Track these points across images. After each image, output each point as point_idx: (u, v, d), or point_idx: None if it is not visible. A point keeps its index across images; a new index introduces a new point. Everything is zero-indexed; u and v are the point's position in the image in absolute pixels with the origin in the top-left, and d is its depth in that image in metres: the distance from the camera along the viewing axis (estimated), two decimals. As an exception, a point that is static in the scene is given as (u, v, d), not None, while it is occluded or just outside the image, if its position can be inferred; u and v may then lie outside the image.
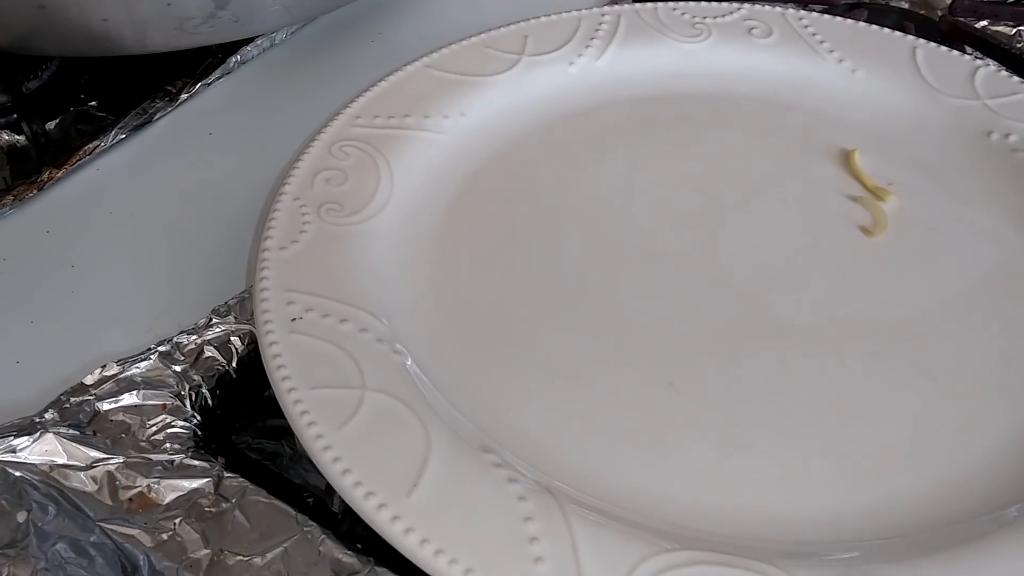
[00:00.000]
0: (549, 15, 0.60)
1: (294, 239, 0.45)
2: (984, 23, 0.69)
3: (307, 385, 0.39)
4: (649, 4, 0.61)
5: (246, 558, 0.38)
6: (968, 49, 0.65)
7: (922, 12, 0.71)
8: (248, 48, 0.65)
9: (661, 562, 0.34)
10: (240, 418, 0.46)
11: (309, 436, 0.37)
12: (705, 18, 0.60)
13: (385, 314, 0.43)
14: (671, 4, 0.61)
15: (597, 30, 0.59)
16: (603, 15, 0.60)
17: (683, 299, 0.46)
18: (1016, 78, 0.56)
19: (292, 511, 0.40)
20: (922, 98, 0.55)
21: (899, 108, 0.55)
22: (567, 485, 0.37)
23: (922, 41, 0.58)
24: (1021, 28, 0.70)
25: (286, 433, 0.44)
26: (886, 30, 0.59)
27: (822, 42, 0.58)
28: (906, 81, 0.56)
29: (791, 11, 0.60)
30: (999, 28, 0.70)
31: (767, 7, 0.61)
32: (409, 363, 0.41)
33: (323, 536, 0.39)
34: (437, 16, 0.69)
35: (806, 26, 0.59)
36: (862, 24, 0.60)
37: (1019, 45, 0.68)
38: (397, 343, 0.42)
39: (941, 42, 0.61)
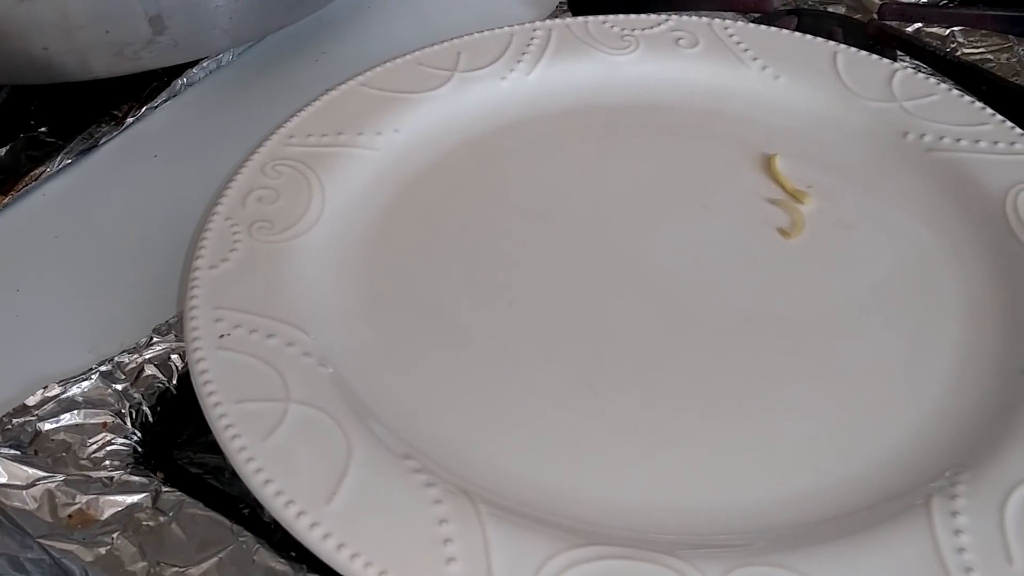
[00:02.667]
0: (482, 31, 0.61)
1: (224, 257, 0.46)
2: (918, 26, 0.71)
3: (233, 399, 0.40)
4: (580, 18, 0.63)
5: (182, 568, 0.40)
6: (900, 53, 0.67)
7: (857, 16, 0.73)
8: (194, 70, 0.66)
9: (569, 558, 0.36)
10: (181, 434, 0.47)
11: (233, 448, 0.38)
12: (634, 30, 0.62)
13: (313, 328, 0.45)
14: (601, 18, 0.62)
15: (529, 45, 0.61)
16: (535, 30, 0.62)
17: (605, 302, 0.48)
18: (932, 79, 0.58)
19: (228, 522, 0.41)
20: (841, 102, 0.57)
21: (819, 112, 0.57)
22: (484, 487, 0.39)
23: (843, 46, 0.60)
24: (954, 29, 0.72)
25: (226, 447, 0.45)
26: (808, 36, 0.61)
27: (746, 50, 0.60)
28: (826, 86, 0.58)
29: (717, 21, 0.62)
30: (933, 30, 0.72)
31: (694, 18, 0.62)
32: (334, 375, 0.43)
33: (257, 545, 0.40)
34: (380, 34, 0.70)
35: (731, 35, 0.61)
36: (785, 32, 0.62)
37: (951, 47, 0.70)
38: (323, 356, 0.43)
39: (870, 47, 0.63)
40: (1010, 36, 0.70)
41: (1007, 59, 0.70)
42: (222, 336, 0.43)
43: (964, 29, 0.71)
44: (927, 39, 0.70)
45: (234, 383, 0.41)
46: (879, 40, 0.68)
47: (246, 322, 0.44)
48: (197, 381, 0.41)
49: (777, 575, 0.35)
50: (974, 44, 0.71)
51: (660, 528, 0.38)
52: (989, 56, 0.70)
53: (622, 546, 0.36)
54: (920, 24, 0.71)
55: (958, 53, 0.69)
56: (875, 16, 0.71)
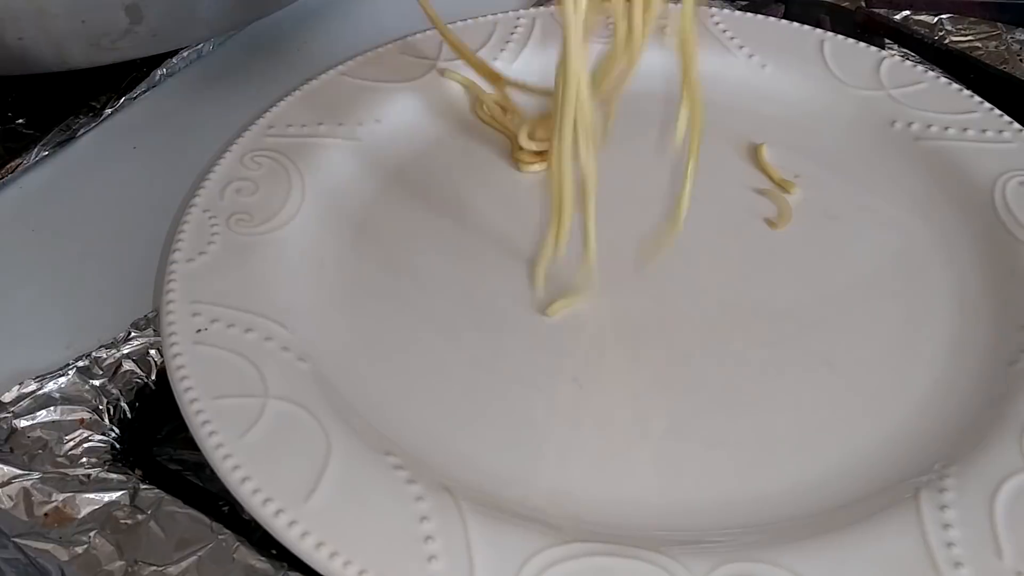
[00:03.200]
0: (465, 20, 0.61)
1: (202, 250, 0.46)
2: (906, 13, 0.71)
3: (210, 395, 0.39)
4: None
5: (160, 567, 0.39)
6: (888, 41, 0.67)
7: (845, 4, 0.72)
8: (174, 61, 0.65)
9: (553, 555, 0.35)
10: (160, 430, 0.46)
11: (210, 445, 0.38)
12: (619, 18, 0.61)
13: (292, 322, 0.44)
14: (586, 5, 0.61)
15: (512, 33, 0.60)
16: (519, 18, 0.61)
17: (588, 294, 0.47)
18: (919, 67, 0.58)
19: (207, 520, 0.40)
20: (829, 90, 0.57)
21: (807, 101, 0.57)
22: (466, 483, 0.38)
23: (830, 34, 0.60)
24: (942, 17, 0.72)
25: (207, 443, 0.44)
26: (796, 25, 0.61)
27: (732, 38, 0.59)
28: (814, 74, 0.57)
29: (703, 9, 0.61)
30: (921, 18, 0.71)
31: (679, 5, 0.61)
32: (313, 370, 0.42)
33: (237, 543, 0.39)
34: (363, 23, 0.69)
35: (717, 23, 0.60)
36: (772, 20, 0.61)
37: (939, 34, 0.70)
38: (302, 351, 0.43)
39: (858, 35, 0.62)
40: (998, 24, 0.70)
41: (995, 47, 0.69)
42: (199, 331, 0.42)
43: (952, 17, 0.70)
44: (915, 27, 0.69)
45: (211, 379, 0.40)
46: (867, 28, 0.68)
47: (224, 316, 0.43)
48: (173, 377, 0.40)
49: (764, 571, 0.35)
50: (962, 32, 0.70)
51: (645, 524, 0.38)
52: (977, 44, 0.70)
53: (607, 542, 0.36)
54: (908, 12, 0.71)
55: (946, 41, 0.69)
56: (863, 4, 0.71)
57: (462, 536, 0.35)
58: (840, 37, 0.60)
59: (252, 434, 0.38)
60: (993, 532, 0.36)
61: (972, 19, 0.71)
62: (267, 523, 0.36)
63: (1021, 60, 0.68)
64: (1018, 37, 0.69)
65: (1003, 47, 0.69)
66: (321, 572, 0.35)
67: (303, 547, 0.35)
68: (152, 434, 0.46)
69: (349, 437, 0.39)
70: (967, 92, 0.56)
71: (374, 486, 0.37)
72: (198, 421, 0.38)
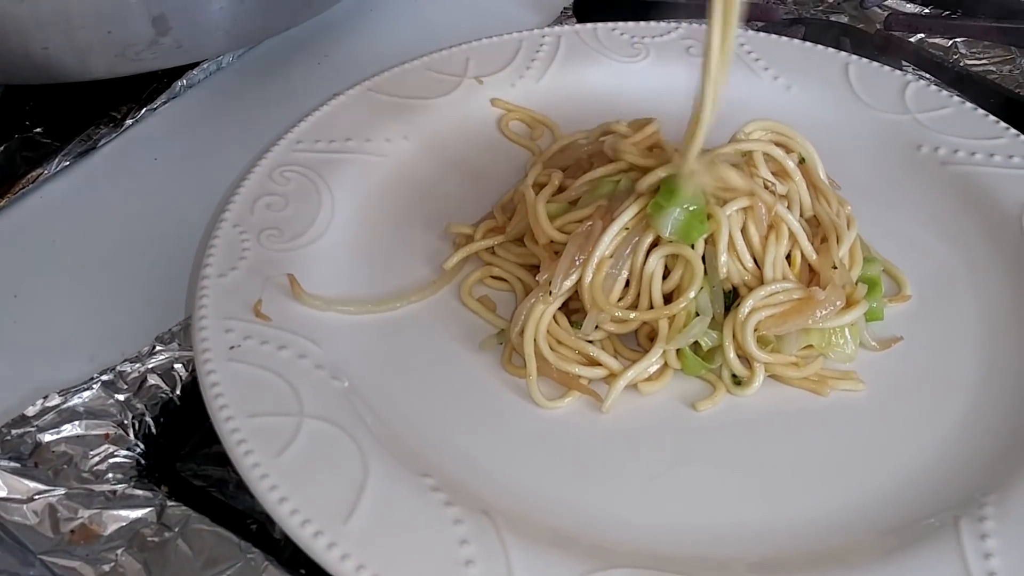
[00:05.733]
0: (491, 37, 0.61)
1: (233, 266, 0.45)
2: (920, 37, 0.71)
3: (245, 413, 0.39)
4: (589, 25, 0.62)
5: (189, 587, 0.39)
6: (904, 63, 0.67)
7: (860, 26, 0.72)
8: (194, 72, 0.65)
9: (595, 581, 0.35)
10: (185, 446, 0.46)
11: (246, 464, 0.37)
12: (644, 38, 0.61)
13: (324, 340, 0.44)
14: (610, 25, 0.62)
15: (538, 51, 0.60)
16: (543, 36, 0.61)
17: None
18: (945, 92, 0.58)
19: (235, 538, 0.40)
20: (854, 113, 0.57)
21: (832, 123, 0.57)
22: (504, 506, 0.38)
23: (855, 57, 0.60)
24: (957, 40, 0.72)
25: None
26: (820, 47, 0.61)
27: (757, 60, 0.60)
28: (839, 97, 0.58)
29: (728, 30, 0.61)
30: (935, 40, 0.72)
31: (704, 26, 0.62)
32: (349, 388, 0.42)
33: (266, 563, 0.39)
34: (383, 37, 0.69)
35: (742, 44, 0.60)
36: (796, 41, 0.61)
37: (954, 57, 0.70)
38: (336, 368, 0.42)
39: (877, 57, 0.63)
40: (1012, 48, 0.70)
41: (1009, 71, 0.70)
42: (232, 347, 0.42)
43: (967, 40, 0.71)
44: (930, 50, 0.70)
45: (246, 396, 0.40)
46: (885, 50, 0.68)
47: (256, 333, 0.43)
48: (208, 394, 0.40)
49: (804, 600, 0.35)
50: (976, 56, 0.71)
51: (682, 549, 0.37)
52: (992, 68, 0.70)
53: (645, 568, 0.35)
54: (923, 35, 0.71)
55: (961, 64, 0.69)
56: (880, 27, 0.71)
57: (503, 560, 0.35)
58: (864, 60, 0.60)
59: (288, 453, 0.38)
60: (1035, 561, 0.36)
61: (986, 43, 0.71)
62: (306, 545, 0.35)
63: (1036, 85, 0.69)
64: (1032, 61, 0.70)
65: (1017, 71, 0.70)
66: (361, 595, 0.35)
67: (344, 570, 0.35)
68: (176, 450, 0.46)
69: (386, 458, 0.39)
70: (992, 118, 0.56)
71: (412, 508, 0.37)
72: (234, 440, 0.38)
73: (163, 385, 0.46)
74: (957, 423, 0.43)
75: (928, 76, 0.65)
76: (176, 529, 0.40)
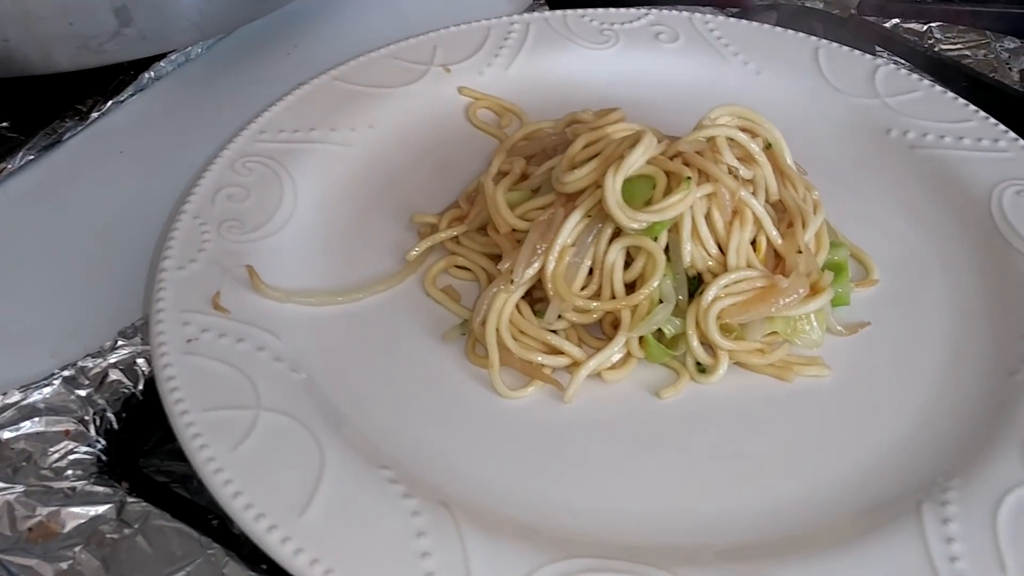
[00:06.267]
0: (459, 24, 0.60)
1: (192, 258, 0.45)
2: (895, 22, 0.71)
3: (201, 407, 0.39)
4: (558, 12, 0.61)
5: (148, 584, 0.38)
6: (878, 48, 0.67)
7: (835, 12, 0.72)
8: (162, 64, 0.64)
9: (552, 572, 0.34)
10: (148, 441, 0.45)
11: (201, 459, 0.37)
12: (613, 24, 0.60)
13: (284, 332, 0.43)
14: (580, 12, 0.61)
15: (506, 38, 0.59)
16: (512, 24, 0.60)
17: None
18: (915, 75, 0.58)
19: (196, 534, 0.39)
20: (824, 98, 0.56)
21: (801, 108, 0.56)
22: (463, 498, 0.38)
23: (825, 42, 0.59)
24: (931, 25, 0.71)
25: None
26: (790, 32, 0.60)
27: (727, 45, 0.59)
28: (808, 81, 0.57)
29: (698, 15, 0.61)
30: (910, 26, 0.71)
31: (674, 12, 0.61)
32: (307, 380, 0.41)
33: (227, 558, 0.38)
34: (353, 28, 0.69)
35: (712, 30, 0.60)
36: (767, 26, 0.61)
37: (929, 42, 0.70)
38: (295, 361, 0.42)
39: (850, 42, 0.62)
40: (987, 32, 0.70)
41: (984, 55, 0.69)
42: (189, 340, 0.41)
43: (941, 25, 0.70)
44: (904, 35, 0.69)
45: (202, 390, 0.39)
46: (859, 35, 0.68)
47: (215, 326, 0.42)
48: (163, 388, 0.39)
49: (766, 587, 0.34)
50: (951, 40, 0.70)
51: (645, 538, 0.37)
52: (967, 52, 0.70)
53: (605, 558, 0.35)
54: (898, 20, 0.71)
55: (936, 49, 0.69)
56: (854, 11, 0.71)
57: (460, 552, 0.35)
58: (834, 44, 0.59)
59: (244, 447, 0.37)
60: (996, 546, 0.35)
61: (961, 27, 0.71)
62: (259, 539, 0.35)
63: (1010, 68, 0.68)
64: (1007, 46, 0.69)
65: (992, 55, 0.69)
66: (316, 589, 0.34)
67: (297, 564, 0.34)
68: (139, 445, 0.45)
69: (343, 450, 0.38)
70: (962, 101, 0.56)
71: (369, 501, 0.36)
72: (188, 434, 0.38)
73: (125, 380, 0.45)
74: (923, 408, 0.42)
75: (901, 61, 0.65)
76: (136, 526, 0.40)
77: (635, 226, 0.42)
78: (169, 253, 0.45)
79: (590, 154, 0.45)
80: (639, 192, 0.43)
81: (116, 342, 0.46)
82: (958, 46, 0.70)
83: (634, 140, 0.43)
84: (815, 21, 0.69)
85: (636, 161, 0.42)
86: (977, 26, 0.70)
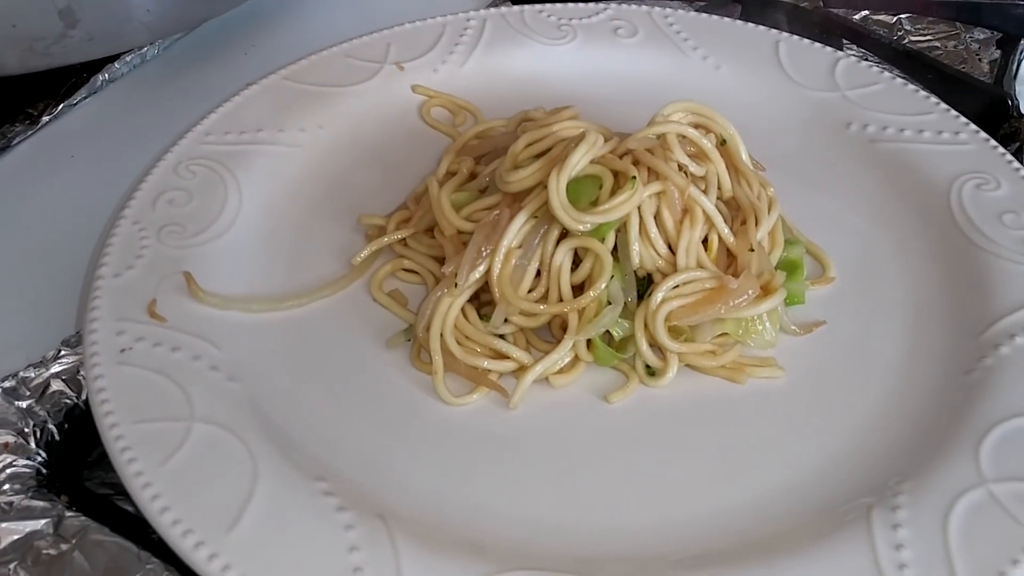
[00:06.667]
0: (414, 22, 0.59)
1: (130, 265, 0.44)
2: (865, 14, 0.70)
3: (131, 419, 0.38)
4: (516, 8, 0.60)
5: (82, 601, 0.37)
6: (846, 42, 0.66)
7: (804, 4, 0.71)
8: (116, 65, 0.63)
9: (488, 585, 0.34)
10: (91, 452, 0.44)
11: (129, 473, 0.36)
12: (571, 19, 0.59)
13: (224, 340, 0.42)
14: (538, 7, 0.60)
15: (462, 35, 0.58)
16: (468, 20, 0.59)
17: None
18: (875, 68, 0.57)
19: (135, 548, 0.38)
20: (784, 92, 0.56)
21: (761, 102, 0.55)
22: (401, 510, 0.37)
23: (786, 35, 0.59)
24: (901, 17, 0.71)
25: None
26: (751, 25, 0.59)
27: (687, 40, 0.58)
28: (769, 75, 0.56)
29: (657, 10, 0.60)
30: (880, 17, 0.70)
31: (633, 7, 0.60)
32: (243, 390, 0.40)
33: (166, 573, 0.37)
34: (313, 26, 0.68)
35: (671, 24, 0.59)
36: (727, 20, 0.60)
37: (899, 34, 0.69)
38: (233, 371, 0.41)
39: (817, 35, 0.61)
40: (957, 23, 0.69)
41: (954, 46, 0.68)
42: (123, 350, 0.40)
43: (911, 16, 0.69)
44: (874, 27, 0.68)
45: (134, 401, 0.38)
46: (825, 28, 0.67)
47: (150, 335, 0.41)
48: (94, 400, 0.38)
49: (708, 598, 0.33)
50: (921, 32, 0.70)
51: (584, 550, 0.36)
52: (936, 44, 0.69)
53: (541, 570, 0.34)
54: (867, 12, 0.70)
55: (905, 41, 0.68)
56: (820, 4, 0.70)
57: (392, 566, 0.34)
58: (795, 38, 0.59)
59: (175, 460, 0.36)
60: (946, 552, 0.34)
61: (931, 19, 0.70)
62: (186, 556, 0.34)
63: (980, 59, 0.67)
64: (977, 36, 0.69)
65: (962, 47, 0.68)
66: (243, 607, 0.33)
67: (224, 581, 0.33)
68: (82, 457, 0.44)
69: (278, 462, 0.37)
70: (923, 93, 0.55)
71: (301, 514, 0.35)
72: (117, 447, 0.37)
73: (68, 391, 0.44)
74: (877, 408, 0.41)
75: (870, 55, 0.64)
76: (73, 541, 0.39)
77: (581, 228, 0.41)
78: (106, 260, 0.44)
79: (536, 153, 0.44)
80: (585, 192, 0.42)
81: (59, 351, 0.45)
82: (928, 37, 0.69)
83: (578, 140, 0.42)
84: (780, 14, 0.68)
85: (579, 161, 0.41)
86: (944, 17, 0.69)
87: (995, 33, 0.67)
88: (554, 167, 0.41)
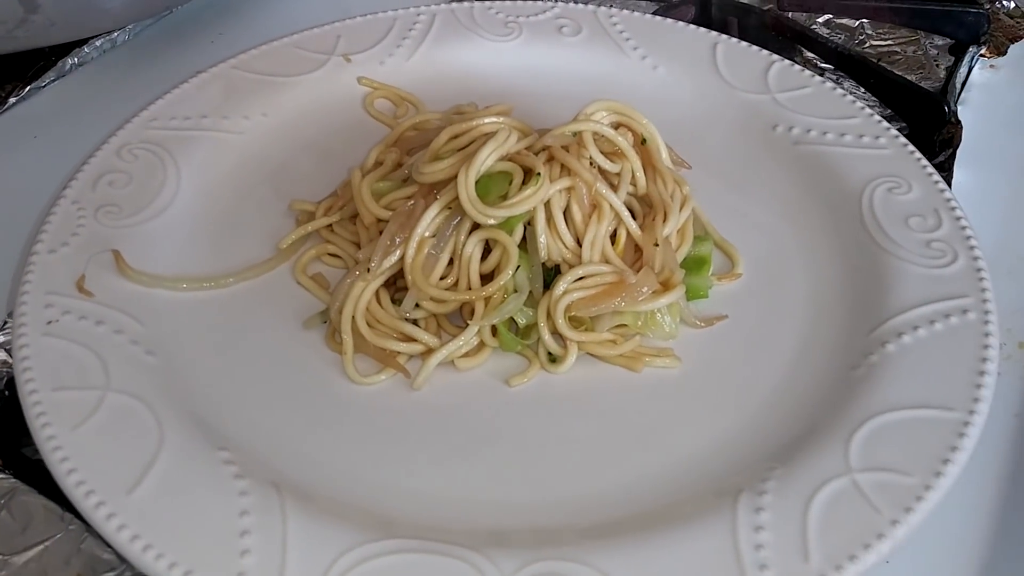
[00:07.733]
0: (365, 15, 0.61)
1: (65, 242, 0.46)
2: (828, 17, 0.71)
3: (49, 387, 0.40)
4: (466, 3, 0.62)
5: (5, 556, 0.39)
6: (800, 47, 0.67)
7: (768, 8, 0.72)
8: (85, 49, 0.65)
9: (366, 551, 0.36)
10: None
11: (42, 437, 0.38)
12: (519, 17, 0.61)
13: (148, 316, 0.44)
14: (487, 3, 0.62)
15: (411, 29, 0.60)
16: (419, 14, 0.61)
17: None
18: (807, 72, 0.58)
19: (60, 510, 0.41)
20: (716, 92, 0.57)
21: (694, 103, 0.57)
22: (296, 480, 0.39)
23: (724, 37, 0.60)
24: (863, 21, 0.71)
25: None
26: (692, 27, 0.61)
27: (628, 39, 0.60)
28: (703, 76, 0.58)
29: (603, 9, 0.62)
30: (843, 22, 0.71)
31: (579, 5, 0.62)
32: (161, 364, 0.42)
33: (86, 534, 0.40)
34: (281, 15, 0.69)
35: (615, 24, 0.61)
36: (669, 21, 0.61)
37: (860, 38, 0.70)
38: (153, 345, 0.43)
39: (770, 38, 0.62)
40: (919, 30, 0.70)
41: (914, 52, 0.69)
42: (50, 322, 0.42)
43: (873, 21, 0.70)
44: (836, 31, 0.69)
45: (54, 370, 0.41)
46: (777, 31, 0.68)
47: (77, 308, 0.43)
48: (17, 368, 0.41)
49: (572, 569, 0.35)
50: (882, 36, 0.70)
51: (463, 522, 0.38)
52: (896, 48, 0.70)
53: (420, 539, 0.36)
54: (831, 16, 0.71)
55: (866, 45, 0.69)
56: (773, 6, 0.71)
57: (280, 532, 0.36)
58: (734, 40, 0.60)
59: (86, 426, 0.39)
60: (803, 536, 0.36)
61: (890, 24, 0.71)
62: (88, 515, 0.36)
63: (937, 65, 0.68)
64: (936, 43, 0.69)
65: (921, 52, 0.69)
66: (135, 565, 0.35)
67: (120, 540, 0.36)
68: (22, 425, 0.46)
69: (184, 431, 0.39)
70: (850, 97, 0.56)
71: (200, 480, 0.38)
72: (34, 412, 0.39)
73: (11, 360, 0.46)
74: (763, 399, 0.43)
75: (819, 59, 0.65)
76: (2, 501, 0.41)
77: (489, 221, 0.43)
78: (42, 237, 0.46)
79: (460, 147, 0.46)
80: (496, 187, 0.44)
81: (4, 324, 0.47)
82: (888, 42, 0.70)
83: (487, 137, 0.44)
84: (735, 16, 0.69)
85: (487, 158, 0.43)
86: (899, 23, 0.70)
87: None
88: (464, 162, 0.43)
